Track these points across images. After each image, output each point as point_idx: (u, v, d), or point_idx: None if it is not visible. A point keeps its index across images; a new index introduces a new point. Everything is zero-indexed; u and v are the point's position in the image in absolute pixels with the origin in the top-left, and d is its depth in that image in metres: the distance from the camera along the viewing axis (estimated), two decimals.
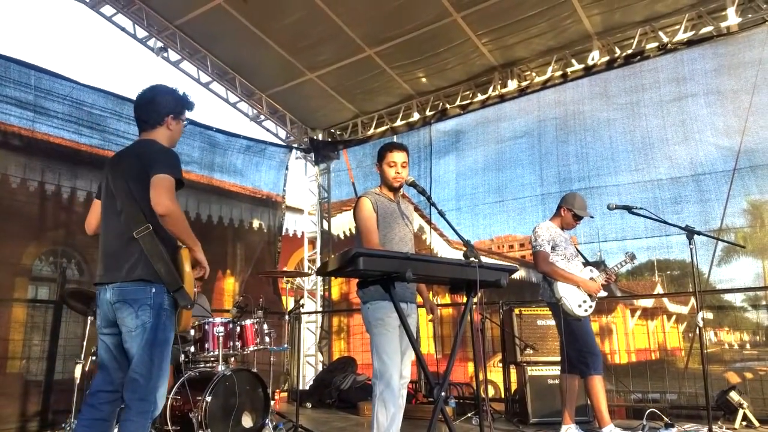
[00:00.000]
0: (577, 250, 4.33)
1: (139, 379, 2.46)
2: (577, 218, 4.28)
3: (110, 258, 2.58)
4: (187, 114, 2.87)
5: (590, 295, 4.07)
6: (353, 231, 6.32)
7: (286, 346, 5.37)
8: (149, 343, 2.47)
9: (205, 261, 2.66)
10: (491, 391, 6.91)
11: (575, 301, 4.00)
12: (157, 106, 2.74)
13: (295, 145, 8.63)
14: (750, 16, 5.59)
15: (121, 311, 2.51)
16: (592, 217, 4.36)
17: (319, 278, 8.54)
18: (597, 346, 4.12)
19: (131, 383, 2.48)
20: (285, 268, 9.02)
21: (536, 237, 4.19)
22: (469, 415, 5.51)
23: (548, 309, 5.44)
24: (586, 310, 4.02)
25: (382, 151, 3.37)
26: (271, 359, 4.68)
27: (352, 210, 3.42)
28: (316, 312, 8.52)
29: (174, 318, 2.57)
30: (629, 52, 6.15)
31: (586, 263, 4.27)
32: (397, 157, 3.31)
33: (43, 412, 5.03)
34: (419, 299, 3.53)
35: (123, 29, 6.91)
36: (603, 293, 4.21)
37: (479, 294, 2.65)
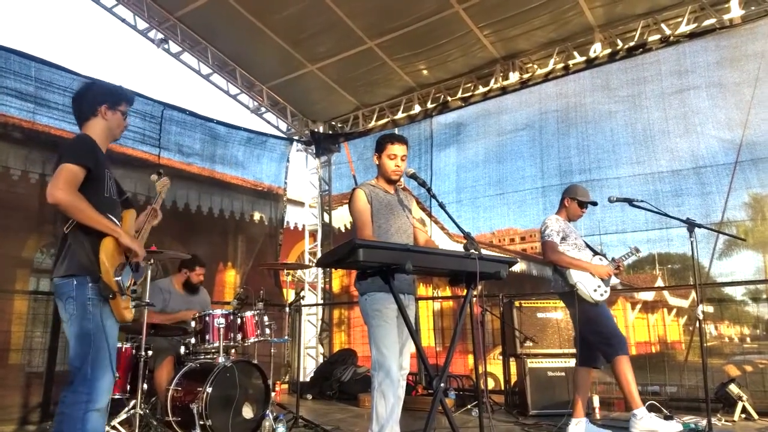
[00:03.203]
0: (584, 242, 4.32)
1: (73, 370, 2.47)
2: (583, 206, 4.26)
3: (55, 256, 2.65)
4: (129, 109, 2.83)
5: (604, 280, 4.05)
6: None
7: (286, 337, 5.37)
8: (77, 334, 2.48)
9: (134, 245, 2.58)
10: (491, 383, 6.94)
11: (591, 286, 3.96)
12: (89, 98, 2.74)
13: (296, 138, 8.62)
14: (753, 8, 5.55)
15: (58, 305, 2.58)
16: (595, 203, 4.34)
17: (320, 271, 8.55)
18: (618, 329, 4.05)
19: (70, 375, 2.49)
20: (286, 261, 9.03)
21: (546, 227, 4.15)
22: (468, 406, 5.52)
23: (550, 302, 5.48)
24: (602, 295, 3.98)
25: (381, 142, 3.34)
26: (272, 351, 4.69)
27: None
28: (316, 304, 8.54)
29: (105, 307, 2.52)
30: (631, 44, 6.13)
31: (595, 254, 4.26)
32: (398, 149, 3.30)
33: (44, 403, 5.03)
34: (418, 291, 3.52)
35: (123, 20, 6.89)
36: (615, 280, 4.19)
37: (479, 286, 2.65)
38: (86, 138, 2.67)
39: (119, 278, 2.50)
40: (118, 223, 2.64)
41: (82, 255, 2.49)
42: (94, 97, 2.73)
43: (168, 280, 4.99)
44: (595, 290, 3.97)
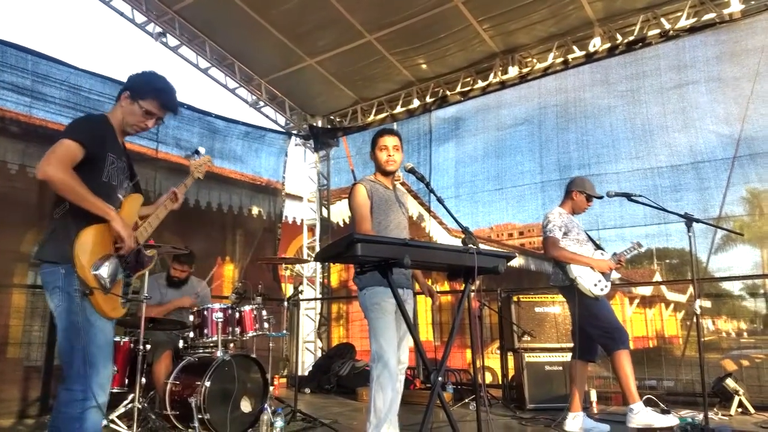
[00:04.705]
0: (587, 235, 4.32)
1: (65, 366, 2.31)
2: (589, 200, 4.28)
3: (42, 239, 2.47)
4: (153, 107, 2.60)
5: (604, 275, 4.06)
6: None
7: (285, 332, 5.39)
8: (65, 328, 2.31)
9: (123, 231, 2.35)
10: (489, 378, 6.96)
11: (591, 280, 3.97)
12: (125, 83, 2.64)
13: (295, 132, 8.60)
14: (753, 2, 5.54)
15: (46, 297, 2.40)
16: (602, 197, 4.35)
17: (319, 265, 8.56)
18: (620, 322, 4.06)
19: (63, 371, 2.33)
20: (284, 255, 9.03)
21: (548, 222, 4.15)
22: (466, 401, 5.54)
23: (547, 296, 5.50)
24: (602, 289, 4.00)
25: (374, 138, 3.38)
26: (270, 345, 4.69)
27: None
28: (315, 299, 8.54)
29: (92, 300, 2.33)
30: (631, 39, 6.11)
31: (597, 247, 4.26)
32: (388, 141, 3.31)
33: (42, 397, 5.04)
34: (417, 287, 3.53)
35: (121, 14, 6.85)
36: (615, 274, 4.20)
37: (477, 281, 2.64)
38: (93, 116, 2.56)
39: (98, 272, 2.31)
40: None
41: (66, 243, 2.30)
42: (127, 82, 2.64)
43: (164, 274, 5.00)
44: (596, 285, 3.98)
